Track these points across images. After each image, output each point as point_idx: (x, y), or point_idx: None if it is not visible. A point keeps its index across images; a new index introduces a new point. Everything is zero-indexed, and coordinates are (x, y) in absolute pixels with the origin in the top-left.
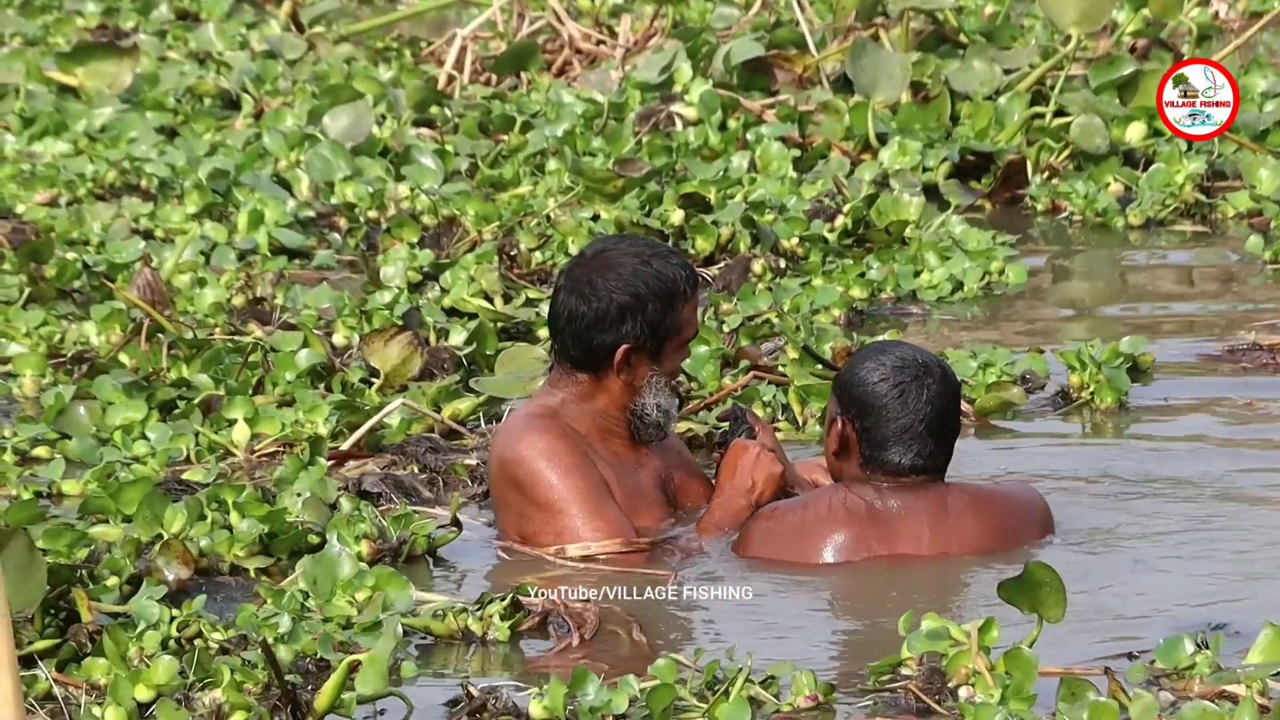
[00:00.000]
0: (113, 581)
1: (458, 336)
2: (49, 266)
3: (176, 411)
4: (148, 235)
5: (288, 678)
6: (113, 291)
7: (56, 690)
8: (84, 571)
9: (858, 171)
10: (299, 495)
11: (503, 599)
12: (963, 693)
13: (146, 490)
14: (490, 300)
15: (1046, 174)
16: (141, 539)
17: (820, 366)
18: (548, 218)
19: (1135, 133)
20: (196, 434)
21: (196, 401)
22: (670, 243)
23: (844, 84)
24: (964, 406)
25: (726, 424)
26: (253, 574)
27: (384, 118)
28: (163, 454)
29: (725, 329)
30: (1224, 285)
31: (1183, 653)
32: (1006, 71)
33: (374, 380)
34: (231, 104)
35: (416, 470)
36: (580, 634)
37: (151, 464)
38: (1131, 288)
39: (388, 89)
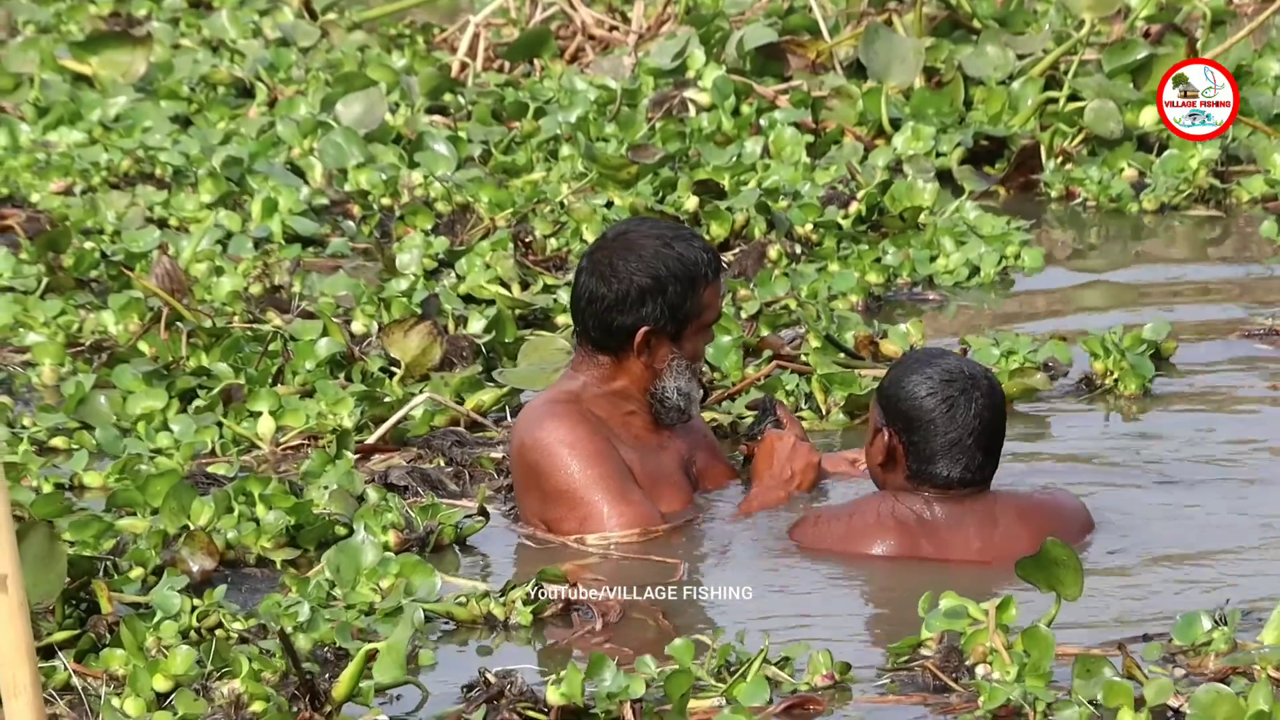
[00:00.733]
0: (136, 573)
1: (476, 324)
2: (67, 256)
3: (197, 400)
4: (162, 224)
5: (306, 666)
6: (131, 281)
7: (75, 681)
8: (107, 563)
9: (871, 157)
10: (326, 488)
11: (526, 584)
12: (980, 671)
13: (174, 483)
14: (507, 287)
15: (1060, 159)
16: (168, 531)
17: (843, 355)
18: (561, 204)
19: (1149, 117)
20: (220, 426)
21: (217, 391)
22: None
23: (857, 69)
24: None
25: (754, 413)
26: (279, 565)
27: (397, 105)
28: (187, 447)
29: (743, 315)
30: (1238, 270)
31: (1199, 629)
32: (1020, 56)
33: (394, 370)
34: (245, 92)
35: (442, 464)
36: (604, 619)
37: (176, 457)
38: (1145, 273)
39: (401, 76)
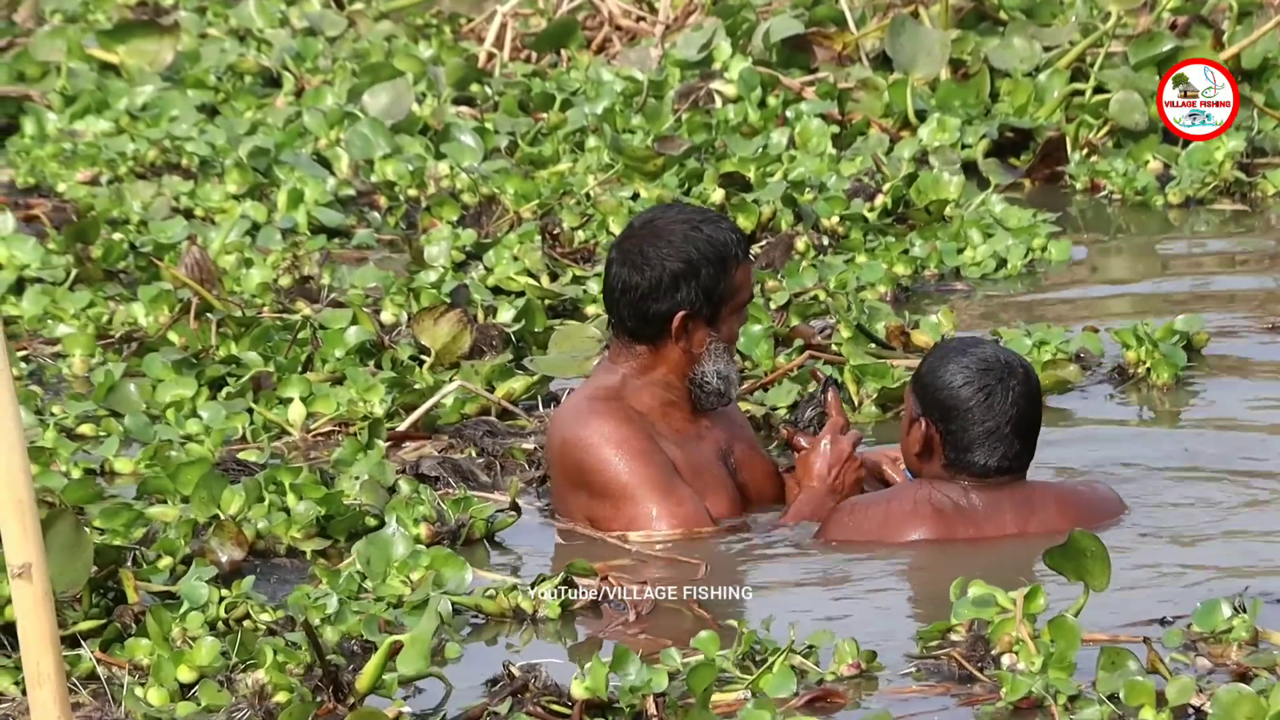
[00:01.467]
0: (165, 562)
1: (506, 314)
2: (95, 247)
3: (226, 389)
4: (188, 214)
5: (332, 659)
6: (160, 271)
7: (99, 670)
8: (136, 552)
9: (897, 149)
10: (357, 478)
11: (554, 578)
12: (1005, 660)
13: (204, 471)
14: (535, 279)
15: (1086, 151)
16: (198, 520)
17: (874, 346)
18: (587, 196)
19: None
20: (251, 412)
21: (246, 378)
22: None
23: (883, 61)
24: None
25: (814, 395)
26: (309, 556)
27: (424, 95)
28: (218, 433)
29: (772, 306)
30: (1264, 262)
31: (1220, 617)
32: (1046, 48)
33: (424, 358)
34: (272, 82)
35: (474, 454)
36: (636, 611)
37: (207, 443)
38: (1171, 265)
39: (428, 66)
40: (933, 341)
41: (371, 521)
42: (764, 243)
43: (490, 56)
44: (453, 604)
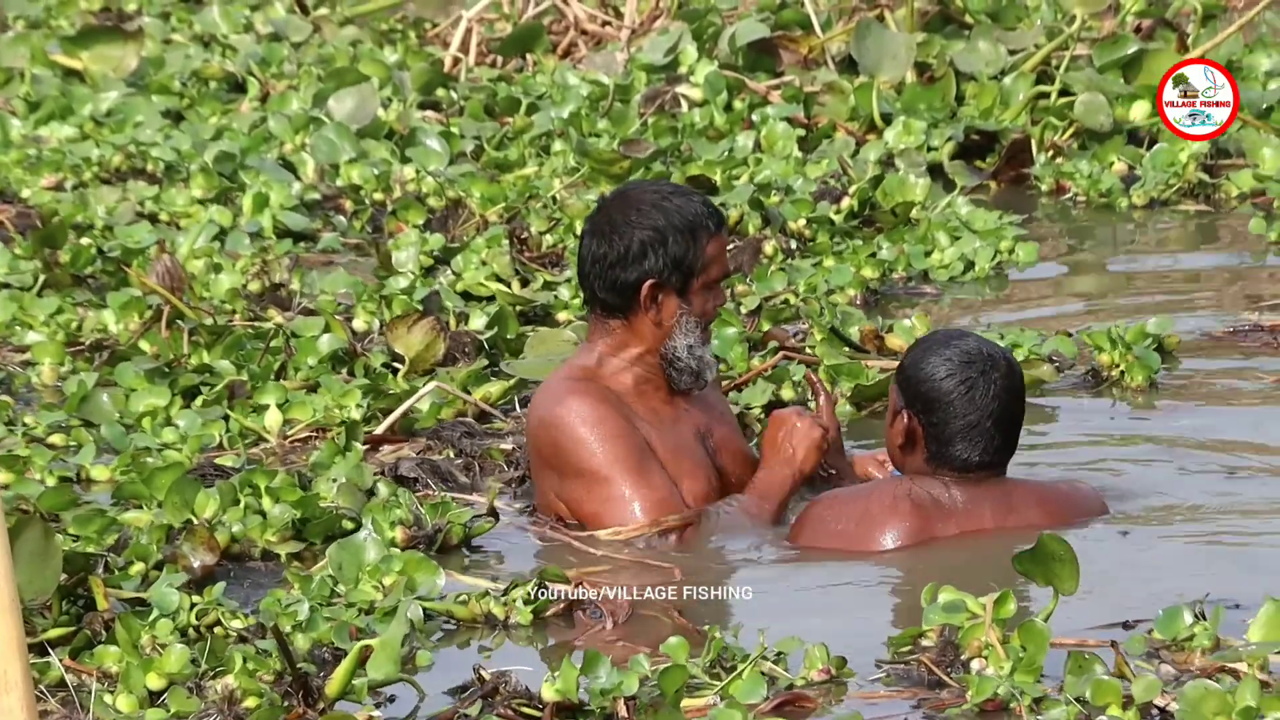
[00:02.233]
0: (137, 568)
1: (478, 320)
2: (63, 252)
3: (200, 397)
4: (153, 219)
5: (302, 665)
6: (130, 278)
7: (68, 677)
8: (107, 558)
9: (863, 152)
10: (334, 480)
11: (527, 584)
12: (975, 665)
13: (178, 475)
14: (505, 284)
15: (1051, 153)
16: (173, 524)
17: (848, 349)
18: (554, 199)
19: (1139, 111)
20: (227, 419)
21: (220, 387)
22: None
23: (849, 64)
24: None
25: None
26: (284, 559)
27: (389, 100)
28: (194, 440)
29: (743, 310)
30: (1227, 265)
31: (1181, 624)
32: (1011, 52)
33: (397, 366)
34: (237, 87)
35: (452, 455)
36: (614, 618)
37: (184, 451)
38: (1135, 268)
39: (393, 71)
40: (907, 344)
41: (348, 525)
42: (732, 246)
43: (456, 61)
44: (425, 610)
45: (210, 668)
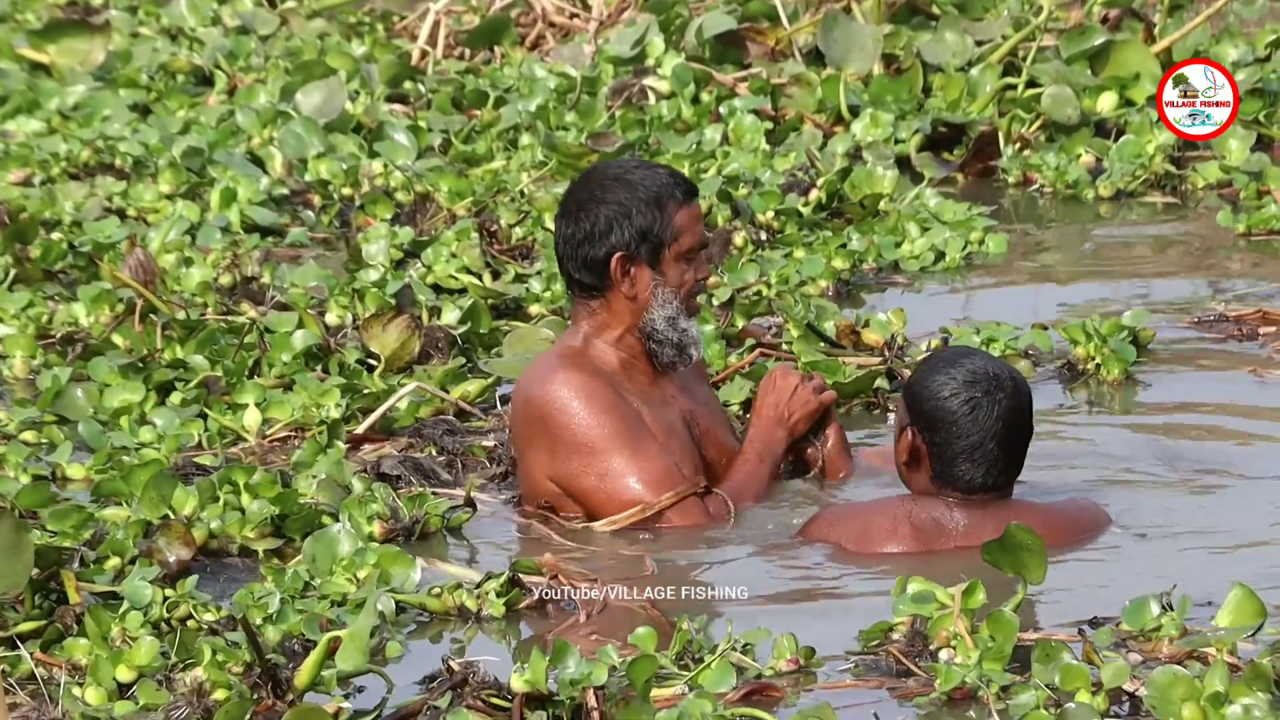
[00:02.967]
0: (112, 563)
1: (450, 315)
2: (34, 247)
3: (175, 393)
4: (121, 214)
5: (272, 657)
6: (101, 272)
7: (37, 670)
8: (81, 553)
9: (830, 144)
10: (314, 477)
11: (499, 576)
12: (943, 655)
13: (156, 472)
14: (476, 277)
15: (1018, 145)
16: (150, 520)
17: (824, 345)
18: (522, 193)
19: (1106, 103)
20: (205, 418)
21: (195, 383)
22: None
23: (816, 57)
24: None
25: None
26: (261, 555)
27: (357, 94)
28: (172, 440)
29: (715, 303)
30: (1193, 257)
31: (1149, 615)
32: (979, 43)
33: (372, 363)
34: (204, 80)
35: (434, 453)
36: (587, 612)
37: (162, 451)
38: (1102, 260)
39: (361, 64)
40: (883, 340)
41: (328, 520)
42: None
43: (423, 54)
44: (397, 602)
45: (180, 660)
